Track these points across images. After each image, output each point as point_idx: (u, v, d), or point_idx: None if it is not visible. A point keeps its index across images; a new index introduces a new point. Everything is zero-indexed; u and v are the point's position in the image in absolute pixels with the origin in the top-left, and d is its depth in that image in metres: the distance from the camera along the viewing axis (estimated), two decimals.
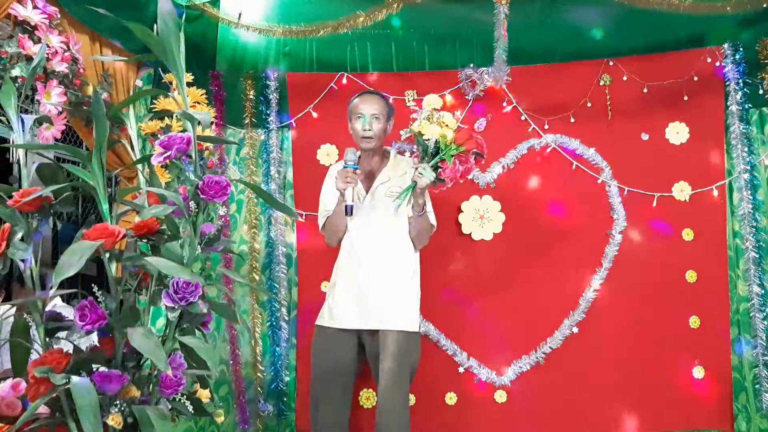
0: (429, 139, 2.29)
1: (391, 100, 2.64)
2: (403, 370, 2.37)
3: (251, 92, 3.02)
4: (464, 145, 2.27)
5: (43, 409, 1.34)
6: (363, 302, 2.43)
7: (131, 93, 2.65)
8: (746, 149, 2.89)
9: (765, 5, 2.72)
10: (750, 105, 2.91)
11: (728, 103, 2.92)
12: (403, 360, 2.36)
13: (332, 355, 2.46)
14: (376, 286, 2.43)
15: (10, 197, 1.39)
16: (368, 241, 2.47)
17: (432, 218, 2.52)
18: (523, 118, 3.02)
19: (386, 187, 2.49)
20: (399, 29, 3.02)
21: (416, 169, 2.31)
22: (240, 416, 2.91)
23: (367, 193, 2.49)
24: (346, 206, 2.33)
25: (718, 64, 2.93)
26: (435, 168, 2.29)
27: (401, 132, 2.51)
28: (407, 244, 2.49)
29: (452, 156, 2.27)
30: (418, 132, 2.32)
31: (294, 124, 3.05)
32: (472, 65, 3.00)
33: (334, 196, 2.48)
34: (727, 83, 2.92)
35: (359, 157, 2.48)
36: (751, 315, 2.85)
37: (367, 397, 2.91)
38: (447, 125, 2.29)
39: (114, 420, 1.31)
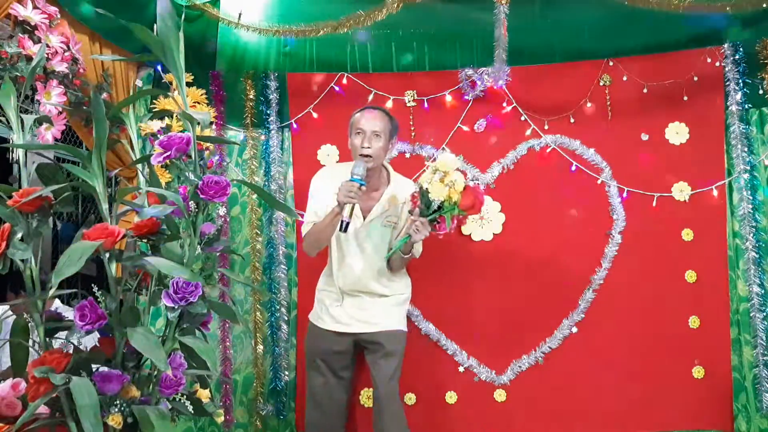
0: (435, 200, 2.27)
1: (395, 121, 2.53)
2: (398, 370, 2.50)
3: (251, 92, 3.02)
4: (467, 211, 2.29)
5: (43, 409, 1.34)
6: (360, 312, 2.52)
7: (131, 93, 2.65)
8: (746, 149, 2.88)
9: (765, 5, 2.72)
10: (750, 105, 2.91)
11: (728, 103, 2.92)
12: (397, 360, 2.50)
13: (325, 355, 2.56)
14: (370, 302, 2.53)
15: (10, 197, 1.39)
16: (362, 263, 2.50)
17: (418, 251, 2.54)
18: (523, 118, 3.02)
19: (383, 216, 2.49)
20: (399, 29, 3.02)
21: (414, 222, 2.29)
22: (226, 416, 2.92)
23: (364, 218, 2.48)
24: (342, 221, 2.25)
25: (718, 64, 2.93)
26: (431, 221, 2.31)
27: (414, 184, 2.46)
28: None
29: (452, 217, 2.30)
30: (426, 189, 2.29)
31: (294, 125, 3.05)
32: (472, 65, 3.00)
33: (324, 203, 2.42)
34: (727, 83, 2.91)
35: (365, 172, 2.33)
36: (751, 315, 2.85)
37: (368, 396, 2.91)
38: (456, 190, 2.27)
39: (114, 420, 1.31)
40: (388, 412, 2.45)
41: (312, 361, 2.62)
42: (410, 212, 2.36)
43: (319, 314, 2.60)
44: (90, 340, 1.47)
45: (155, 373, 1.45)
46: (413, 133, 3.01)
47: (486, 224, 2.98)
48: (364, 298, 2.54)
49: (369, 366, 2.57)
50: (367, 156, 2.36)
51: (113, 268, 1.42)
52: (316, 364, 2.60)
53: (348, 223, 2.25)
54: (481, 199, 2.32)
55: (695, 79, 2.94)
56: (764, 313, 2.83)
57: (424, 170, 2.40)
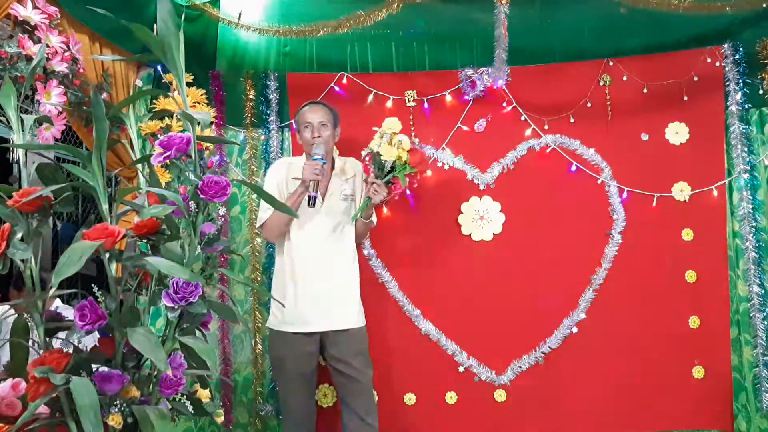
0: (387, 161, 2.52)
1: (336, 110, 2.66)
2: (370, 366, 2.56)
3: (251, 92, 3.02)
4: (417, 168, 2.57)
5: (43, 409, 1.34)
6: (326, 303, 2.52)
7: (131, 93, 2.65)
8: (746, 149, 2.89)
9: (765, 5, 2.73)
10: (750, 105, 2.91)
11: (728, 103, 2.92)
12: (368, 355, 2.56)
13: (298, 360, 2.52)
14: (335, 287, 2.54)
15: (10, 197, 1.39)
16: (324, 243, 2.55)
17: (375, 219, 2.71)
18: (523, 118, 3.02)
19: (340, 191, 2.61)
20: (399, 29, 3.02)
21: (372, 185, 2.51)
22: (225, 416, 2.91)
23: (323, 197, 2.56)
24: (310, 197, 2.40)
25: (718, 64, 2.93)
26: (387, 183, 2.54)
27: (362, 151, 2.69)
28: (353, 245, 2.63)
29: (405, 175, 2.53)
30: (377, 152, 2.54)
31: (294, 125, 3.04)
32: (472, 65, 3.00)
33: (282, 190, 2.58)
34: (727, 83, 2.92)
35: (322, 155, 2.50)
36: (751, 315, 2.85)
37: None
38: (404, 149, 2.53)
39: (114, 420, 1.31)
40: (369, 401, 2.52)
41: (281, 370, 2.57)
42: (365, 181, 2.58)
43: (282, 319, 2.53)
44: (90, 340, 1.47)
45: (155, 373, 1.44)
46: (413, 133, 3.01)
47: (486, 224, 2.98)
48: (320, 290, 2.50)
49: (335, 365, 2.53)
50: (319, 144, 2.53)
51: (113, 268, 1.41)
52: (286, 375, 2.55)
53: (315, 198, 2.41)
54: (426, 157, 2.63)
55: (695, 79, 2.94)
56: (764, 313, 2.83)
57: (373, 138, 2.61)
